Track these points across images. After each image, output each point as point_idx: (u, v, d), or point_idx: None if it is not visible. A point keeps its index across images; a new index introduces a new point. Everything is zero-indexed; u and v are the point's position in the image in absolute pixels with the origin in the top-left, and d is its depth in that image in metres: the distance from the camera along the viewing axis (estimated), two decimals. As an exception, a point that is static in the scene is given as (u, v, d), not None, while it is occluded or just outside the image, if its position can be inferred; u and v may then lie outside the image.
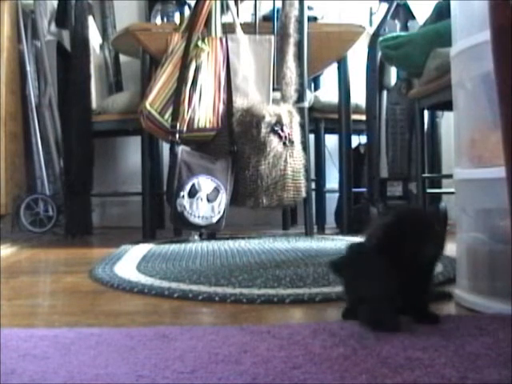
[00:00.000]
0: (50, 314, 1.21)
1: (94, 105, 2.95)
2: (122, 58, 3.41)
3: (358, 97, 2.96)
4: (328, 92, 3.06)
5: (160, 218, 3.23)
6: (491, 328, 0.93)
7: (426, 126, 2.87)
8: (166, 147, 2.84)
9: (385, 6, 2.95)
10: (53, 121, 3.17)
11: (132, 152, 3.51)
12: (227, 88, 2.54)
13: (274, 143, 2.48)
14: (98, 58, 3.18)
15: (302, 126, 2.60)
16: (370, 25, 3.09)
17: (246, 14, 2.92)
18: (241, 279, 1.43)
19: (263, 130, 2.46)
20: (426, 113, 2.64)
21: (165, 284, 1.41)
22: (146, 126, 2.50)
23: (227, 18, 2.65)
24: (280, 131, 2.48)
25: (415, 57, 2.28)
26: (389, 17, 2.85)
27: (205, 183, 2.39)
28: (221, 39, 2.56)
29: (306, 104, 2.69)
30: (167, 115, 2.44)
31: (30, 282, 1.63)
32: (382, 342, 0.86)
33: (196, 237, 2.50)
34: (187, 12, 3.00)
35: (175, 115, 2.44)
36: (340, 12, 3.35)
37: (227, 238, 2.55)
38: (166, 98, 2.45)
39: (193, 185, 2.38)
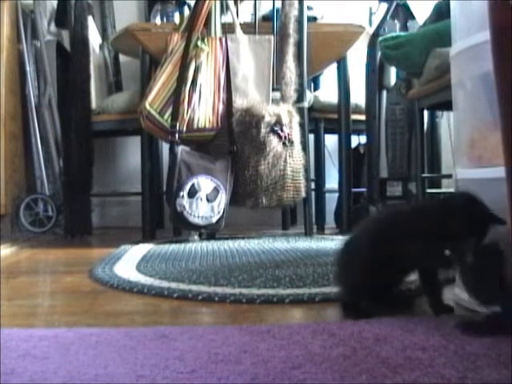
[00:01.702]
0: (49, 314, 1.21)
1: (93, 105, 2.94)
2: (122, 57, 3.41)
3: (358, 97, 2.96)
4: (328, 92, 3.06)
5: (160, 218, 3.23)
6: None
7: (425, 126, 2.87)
8: (165, 147, 2.83)
9: (384, 5, 2.94)
10: (52, 121, 3.17)
11: (132, 152, 3.51)
12: (227, 88, 2.54)
13: (274, 143, 2.47)
14: (97, 58, 3.17)
15: (302, 125, 2.60)
16: (370, 25, 3.09)
17: (245, 14, 2.92)
18: (240, 279, 1.43)
19: (263, 130, 2.46)
20: (425, 113, 2.64)
21: (164, 284, 1.41)
22: (145, 126, 2.50)
23: (227, 18, 2.65)
24: (280, 131, 2.48)
25: (415, 57, 2.28)
26: (388, 17, 2.84)
27: (204, 183, 2.39)
28: (220, 39, 2.56)
29: (306, 104, 2.69)
30: (167, 115, 2.44)
31: (29, 282, 1.63)
32: (381, 341, 0.86)
33: (195, 237, 2.50)
34: (187, 12, 3.00)
35: (175, 115, 2.43)
36: (340, 12, 3.35)
37: (227, 238, 2.55)
38: (165, 98, 2.45)
39: (192, 185, 2.38)
